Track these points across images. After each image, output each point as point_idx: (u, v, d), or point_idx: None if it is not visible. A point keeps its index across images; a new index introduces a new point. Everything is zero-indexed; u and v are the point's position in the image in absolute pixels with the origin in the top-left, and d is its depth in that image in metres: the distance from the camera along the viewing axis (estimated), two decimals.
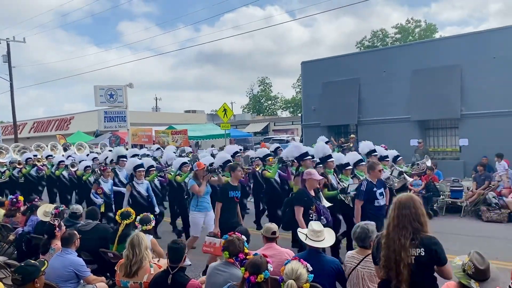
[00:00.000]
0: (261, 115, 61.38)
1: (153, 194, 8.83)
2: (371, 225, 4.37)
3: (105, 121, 24.71)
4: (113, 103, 24.72)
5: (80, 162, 13.04)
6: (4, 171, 15.07)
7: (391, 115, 20.24)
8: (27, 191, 13.59)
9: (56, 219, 6.00)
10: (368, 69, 21.39)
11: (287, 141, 28.38)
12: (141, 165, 8.87)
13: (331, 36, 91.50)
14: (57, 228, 5.83)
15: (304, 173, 6.60)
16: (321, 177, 6.67)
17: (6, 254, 7.65)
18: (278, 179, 9.43)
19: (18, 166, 14.65)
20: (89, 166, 11.91)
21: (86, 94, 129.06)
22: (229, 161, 8.90)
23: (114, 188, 9.93)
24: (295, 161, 8.48)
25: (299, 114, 38.51)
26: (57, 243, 5.66)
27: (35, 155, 15.49)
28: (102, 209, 9.22)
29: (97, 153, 16.56)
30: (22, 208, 8.46)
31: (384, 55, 22.35)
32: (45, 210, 7.20)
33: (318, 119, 23.21)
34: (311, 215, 6.13)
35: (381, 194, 6.63)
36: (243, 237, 4.26)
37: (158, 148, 17.15)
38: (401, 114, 19.92)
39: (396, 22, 75.02)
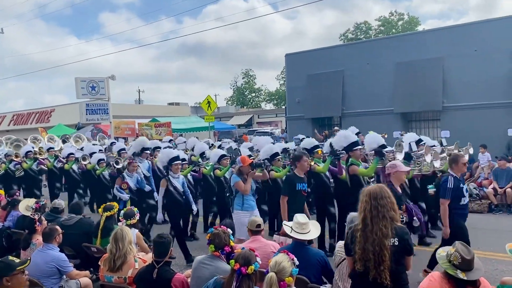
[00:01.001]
0: (245, 107, 61.24)
1: (188, 190, 8.05)
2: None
3: (87, 114, 24.38)
4: (95, 95, 24.37)
5: (90, 154, 12.18)
6: None
7: (375, 107, 20.40)
8: (27, 186, 12.95)
9: (37, 213, 5.89)
10: (352, 61, 21.49)
11: (271, 134, 28.38)
12: (177, 158, 7.96)
13: (314, 29, 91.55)
14: (37, 223, 5.72)
15: (388, 166, 5.94)
16: (408, 168, 6.22)
17: None
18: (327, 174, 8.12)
19: (15, 159, 13.49)
20: (103, 159, 11.20)
21: (67, 86, 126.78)
22: (277, 153, 8.26)
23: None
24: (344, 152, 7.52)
25: (283, 107, 38.56)
26: (38, 238, 5.56)
27: (32, 148, 14.05)
28: (128, 206, 8.22)
29: (101, 145, 15.54)
30: (3, 203, 8.30)
31: (368, 47, 22.46)
32: (27, 204, 7.07)
33: (302, 111, 23.26)
34: (401, 218, 5.08)
35: (466, 190, 5.89)
36: (229, 230, 4.24)
37: (170, 140, 15.98)
38: (385, 106, 20.09)
39: (378, 15, 75.39)
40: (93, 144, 14.81)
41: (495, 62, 17.23)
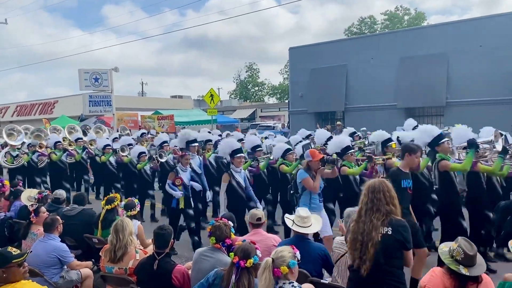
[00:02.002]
0: (248, 101, 61.16)
1: (250, 186, 7.35)
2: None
3: (90, 106, 24.37)
4: (98, 87, 24.36)
5: (128, 146, 11.30)
6: (17, 155, 12.93)
7: (378, 102, 20.36)
8: (54, 178, 12.31)
9: (35, 204, 5.88)
10: (356, 56, 21.43)
11: (274, 128, 28.33)
12: (240, 150, 7.36)
13: (317, 23, 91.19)
14: (33, 214, 5.72)
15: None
16: None
17: None
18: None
19: (39, 150, 12.70)
20: (144, 153, 10.17)
21: (70, 78, 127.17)
22: (348, 147, 7.34)
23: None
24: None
25: (286, 101, 38.49)
26: (39, 229, 5.56)
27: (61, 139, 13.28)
28: (182, 205, 7.52)
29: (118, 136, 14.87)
30: (7, 193, 8.32)
31: (372, 42, 22.38)
32: (29, 195, 7.12)
33: (305, 105, 23.23)
34: None
35: None
36: (230, 222, 4.23)
37: (142, 134, 15.70)
38: (388, 101, 20.05)
39: (382, 10, 75.05)
40: (120, 135, 14.40)
41: (500, 58, 17.14)
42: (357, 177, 7.24)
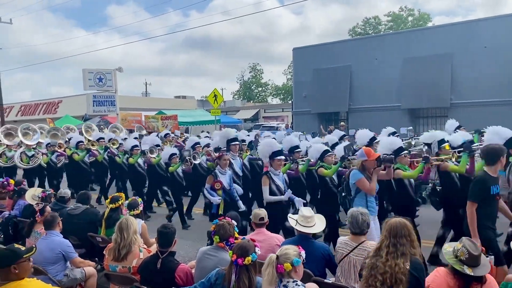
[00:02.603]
0: (251, 101, 61.19)
1: (290, 190, 6.76)
2: (364, 211, 4.35)
3: (94, 105, 24.51)
4: (102, 87, 24.48)
5: (156, 147, 10.83)
6: (33, 155, 12.49)
7: (382, 102, 20.33)
8: (76, 179, 11.90)
9: (40, 203, 5.90)
10: (360, 56, 21.40)
11: (277, 128, 28.30)
12: (281, 152, 6.85)
13: (321, 24, 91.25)
14: (38, 213, 5.75)
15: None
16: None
17: None
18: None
19: (58, 150, 12.23)
20: (176, 154, 9.62)
21: (74, 78, 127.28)
22: (401, 148, 6.70)
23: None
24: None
25: (290, 101, 38.46)
26: (43, 228, 5.59)
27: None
28: (221, 210, 6.89)
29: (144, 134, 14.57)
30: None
31: (376, 42, 22.35)
32: (33, 193, 7.14)
33: (309, 106, 23.22)
34: None
35: None
36: (233, 221, 4.24)
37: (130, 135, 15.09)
38: (392, 102, 20.02)
39: (385, 11, 75.11)
40: (141, 135, 14.05)
41: (505, 59, 17.09)
42: (412, 180, 6.61)
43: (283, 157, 6.84)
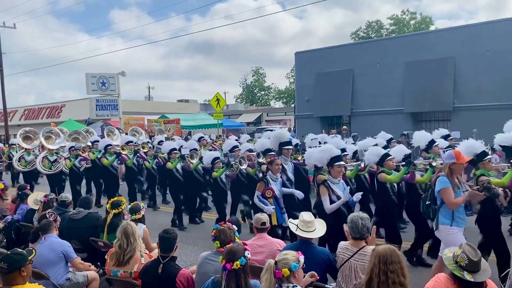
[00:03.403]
0: (254, 105, 61.25)
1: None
2: (364, 216, 4.35)
3: (97, 110, 24.62)
4: (105, 91, 24.59)
5: (194, 151, 10.09)
6: (55, 160, 11.80)
7: (384, 106, 20.31)
8: (105, 185, 11.48)
9: (52, 213, 5.86)
10: (362, 60, 21.40)
11: None
12: (340, 157, 6.20)
13: (323, 28, 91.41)
14: (56, 224, 5.73)
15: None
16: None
17: None
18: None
19: (82, 154, 11.62)
20: (218, 158, 9.06)
21: (77, 82, 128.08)
22: (485, 153, 5.97)
23: (283, 189, 6.96)
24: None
25: (292, 105, 38.47)
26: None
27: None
28: (274, 221, 6.30)
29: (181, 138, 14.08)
30: (9, 197, 8.39)
31: (378, 46, 22.35)
32: (35, 198, 7.15)
33: (311, 110, 23.22)
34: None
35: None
36: (234, 226, 4.24)
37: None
38: (394, 106, 20.00)
39: (387, 15, 75.14)
40: (170, 139, 13.66)
41: (508, 62, 17.07)
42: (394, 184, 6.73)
43: (343, 163, 6.23)
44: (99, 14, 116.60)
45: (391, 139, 10.41)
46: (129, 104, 35.02)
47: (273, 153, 7.95)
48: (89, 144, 13.32)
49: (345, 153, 7.89)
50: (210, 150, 11.52)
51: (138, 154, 11.40)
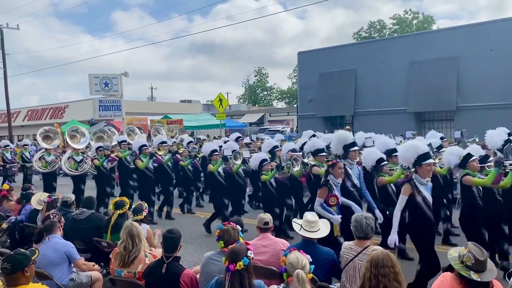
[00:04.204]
0: (256, 105, 61.24)
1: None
2: (368, 215, 4.34)
3: (100, 110, 24.63)
4: (108, 91, 24.61)
5: (237, 152, 9.41)
6: (81, 160, 11.32)
7: (387, 106, 20.27)
8: (142, 188, 10.45)
9: (57, 214, 5.87)
10: (365, 60, 21.36)
11: (282, 132, 28.28)
12: (429, 155, 5.54)
13: (324, 29, 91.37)
14: (60, 224, 5.73)
15: None
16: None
17: None
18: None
19: (111, 154, 11.02)
20: (266, 160, 8.44)
21: (80, 83, 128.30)
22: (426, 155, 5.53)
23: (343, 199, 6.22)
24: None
25: (295, 105, 38.45)
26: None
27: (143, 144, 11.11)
28: (337, 232, 5.74)
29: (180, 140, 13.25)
30: (14, 198, 8.42)
31: (381, 46, 22.31)
32: (39, 198, 7.15)
33: (314, 110, 23.19)
34: None
35: None
36: (238, 226, 4.23)
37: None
38: (397, 106, 19.95)
39: (389, 15, 75.10)
40: (207, 140, 13.25)
41: (511, 62, 16.98)
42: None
43: (432, 161, 5.65)
44: (101, 15, 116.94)
45: (442, 138, 9.93)
46: (132, 105, 35.06)
47: (324, 153, 7.74)
48: (113, 144, 12.55)
49: (396, 153, 7.39)
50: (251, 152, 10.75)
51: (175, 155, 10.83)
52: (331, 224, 5.28)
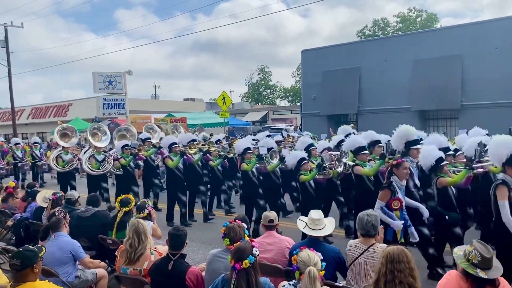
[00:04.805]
0: (259, 104, 61.20)
1: None
2: (372, 213, 4.34)
3: (103, 108, 24.69)
4: (112, 90, 24.66)
5: (273, 150, 8.82)
6: (103, 160, 10.77)
7: (391, 104, 20.21)
8: (171, 189, 9.72)
9: (62, 211, 5.89)
10: (369, 58, 21.30)
11: (286, 130, 28.22)
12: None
13: (327, 27, 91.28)
14: (66, 221, 5.75)
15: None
16: None
17: (4, 240, 7.64)
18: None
19: (141, 154, 10.65)
20: (306, 159, 7.89)
21: (84, 81, 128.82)
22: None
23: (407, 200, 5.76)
24: None
25: (298, 103, 38.40)
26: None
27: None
28: (399, 236, 5.32)
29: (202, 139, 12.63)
30: (20, 195, 8.45)
31: (385, 44, 22.24)
32: (44, 196, 7.18)
33: (318, 108, 23.15)
34: None
35: None
36: (243, 224, 4.23)
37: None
38: (402, 104, 19.89)
39: (392, 14, 74.87)
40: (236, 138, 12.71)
41: None
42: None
43: None
44: (104, 13, 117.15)
45: (487, 134, 9.40)
46: (136, 103, 35.12)
47: (366, 151, 7.33)
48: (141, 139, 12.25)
49: (450, 152, 6.97)
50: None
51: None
52: (393, 230, 5.07)
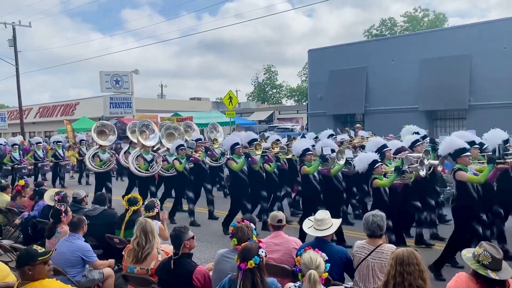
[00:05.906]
0: (266, 103, 61.17)
1: None
2: (378, 213, 4.31)
3: (110, 107, 24.80)
4: (119, 89, 24.75)
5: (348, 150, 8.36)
6: (152, 160, 10.09)
7: (399, 104, 20.07)
8: (235, 193, 8.96)
9: (63, 204, 5.96)
10: (376, 57, 21.16)
11: (292, 130, 28.22)
12: None
13: (333, 27, 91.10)
14: (63, 214, 5.80)
15: None
16: None
17: (12, 238, 7.69)
18: None
19: (195, 154, 9.92)
20: (378, 161, 7.19)
21: (91, 80, 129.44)
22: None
23: None
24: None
25: (304, 103, 38.31)
26: (63, 227, 5.64)
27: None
28: None
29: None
30: (28, 194, 8.52)
31: (393, 43, 22.12)
32: (51, 194, 7.22)
33: (324, 107, 23.04)
34: None
35: None
36: (251, 224, 4.22)
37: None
38: (409, 104, 19.74)
39: (398, 13, 74.53)
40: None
41: None
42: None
43: None
44: (111, 13, 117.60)
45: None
46: (143, 102, 35.21)
47: (468, 154, 6.69)
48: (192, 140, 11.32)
49: (476, 145, 6.91)
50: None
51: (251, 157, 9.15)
52: None
